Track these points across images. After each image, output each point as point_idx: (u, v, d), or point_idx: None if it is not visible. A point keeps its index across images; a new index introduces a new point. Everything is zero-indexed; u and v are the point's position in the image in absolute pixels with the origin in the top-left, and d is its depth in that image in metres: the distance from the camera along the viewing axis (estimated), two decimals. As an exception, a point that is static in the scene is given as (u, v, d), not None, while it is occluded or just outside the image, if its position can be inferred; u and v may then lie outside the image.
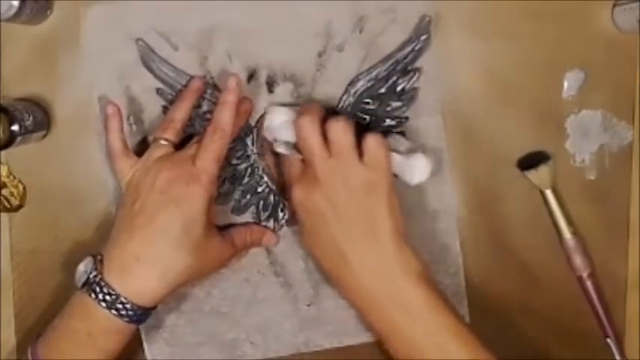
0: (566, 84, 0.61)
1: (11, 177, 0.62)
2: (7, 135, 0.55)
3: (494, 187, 0.62)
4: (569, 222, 0.61)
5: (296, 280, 0.62)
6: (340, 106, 0.60)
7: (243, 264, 0.62)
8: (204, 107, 0.60)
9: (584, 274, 0.61)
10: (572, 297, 0.62)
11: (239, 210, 0.62)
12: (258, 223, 0.62)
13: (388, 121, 0.60)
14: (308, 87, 0.61)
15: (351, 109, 0.60)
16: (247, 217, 0.62)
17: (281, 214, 0.62)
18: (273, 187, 0.61)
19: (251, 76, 0.61)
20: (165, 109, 0.60)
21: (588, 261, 0.61)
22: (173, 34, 0.60)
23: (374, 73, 0.60)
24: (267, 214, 0.62)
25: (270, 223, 0.62)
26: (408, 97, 0.60)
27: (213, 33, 0.60)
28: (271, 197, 0.61)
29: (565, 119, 0.61)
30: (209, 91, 0.60)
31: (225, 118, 0.56)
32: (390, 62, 0.60)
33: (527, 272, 0.62)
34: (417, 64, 0.60)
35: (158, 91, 0.60)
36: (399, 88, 0.60)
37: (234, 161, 0.61)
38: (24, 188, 0.62)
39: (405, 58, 0.60)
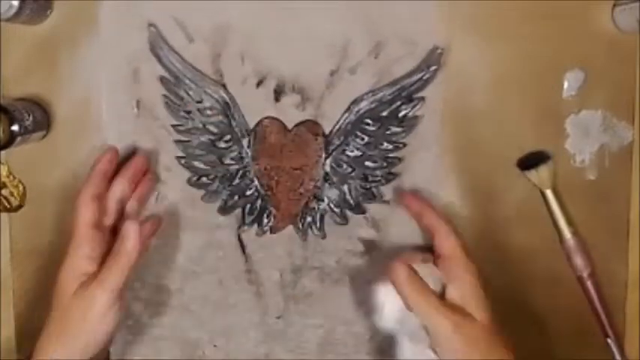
0: (566, 84, 0.61)
1: (11, 177, 0.62)
2: (7, 135, 0.55)
3: (494, 187, 0.62)
4: (569, 222, 0.61)
5: (269, 291, 0.63)
6: (341, 122, 0.60)
7: (220, 266, 0.62)
8: (206, 103, 0.60)
9: (585, 274, 0.61)
10: (572, 297, 0.62)
11: (225, 210, 0.62)
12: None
13: (385, 145, 0.61)
14: (314, 102, 0.61)
15: (351, 127, 0.60)
16: (232, 218, 0.62)
17: (265, 220, 0.62)
18: (262, 193, 0.61)
19: (260, 81, 0.61)
20: (166, 99, 0.60)
21: (588, 261, 0.61)
22: (190, 25, 0.60)
23: (378, 96, 0.60)
24: (252, 217, 0.62)
25: (254, 228, 0.62)
26: (409, 124, 0.60)
27: (230, 31, 0.60)
28: (258, 202, 0.62)
29: (565, 119, 0.61)
30: (212, 87, 0.60)
31: (130, 247, 0.54)
32: (396, 87, 0.60)
33: (527, 272, 0.62)
34: (422, 94, 0.60)
35: (162, 79, 0.60)
36: (401, 114, 0.60)
37: (228, 161, 0.61)
38: (24, 188, 0.62)
39: (412, 85, 0.60)
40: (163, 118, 0.61)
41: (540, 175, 0.60)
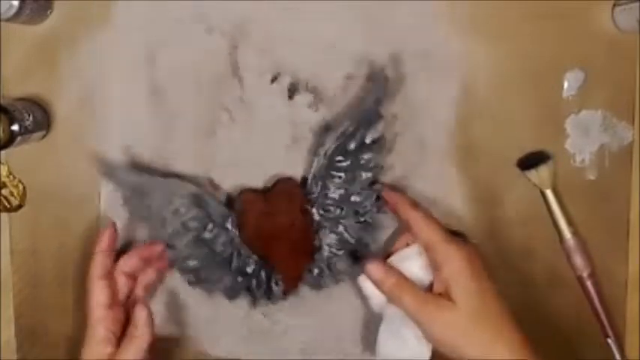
0: (566, 84, 0.61)
1: (11, 177, 0.62)
2: (7, 135, 0.55)
3: (494, 186, 0.62)
4: (569, 222, 0.61)
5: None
6: (313, 169, 0.59)
7: None
8: (176, 203, 0.58)
9: (585, 274, 0.61)
10: (572, 297, 0.62)
11: (232, 295, 0.61)
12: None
13: (364, 174, 0.59)
14: (326, 104, 0.61)
15: (325, 170, 0.59)
16: (241, 300, 0.61)
17: (276, 288, 0.60)
18: (263, 263, 0.60)
19: (275, 78, 0.60)
20: (133, 217, 0.60)
21: (588, 261, 0.61)
22: (211, 17, 0.60)
23: (340, 131, 0.58)
24: (261, 291, 0.60)
25: (266, 300, 0.61)
26: (379, 145, 0.59)
27: (250, 25, 0.60)
28: (262, 274, 0.60)
29: (565, 119, 0.61)
30: (177, 185, 0.59)
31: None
32: (353, 116, 0.58)
33: (527, 272, 0.62)
34: (380, 113, 0.59)
35: (125, 200, 0.60)
36: (367, 141, 0.58)
37: (219, 249, 0.60)
38: (24, 188, 0.62)
39: (367, 110, 0.58)
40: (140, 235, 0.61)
41: (540, 175, 0.60)
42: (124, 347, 0.56)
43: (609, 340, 0.61)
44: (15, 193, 0.62)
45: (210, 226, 0.59)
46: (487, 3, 0.60)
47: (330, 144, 0.58)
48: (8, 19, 0.55)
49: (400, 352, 0.56)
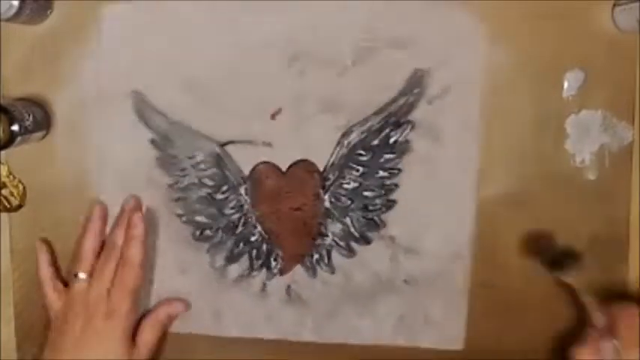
0: (566, 84, 0.61)
1: (11, 177, 0.62)
2: (7, 135, 0.55)
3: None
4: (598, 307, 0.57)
5: None
6: (334, 157, 0.61)
7: None
8: (198, 158, 0.61)
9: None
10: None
11: (232, 259, 0.62)
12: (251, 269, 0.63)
13: (381, 173, 0.61)
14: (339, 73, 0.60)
15: (345, 160, 0.61)
16: (240, 265, 0.62)
17: (274, 263, 0.62)
18: (266, 237, 0.62)
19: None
20: (159, 160, 0.61)
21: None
22: None
23: (367, 126, 0.60)
24: (260, 262, 0.62)
25: (263, 272, 0.62)
26: (401, 149, 0.61)
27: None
28: (264, 246, 0.62)
29: (565, 119, 0.61)
30: (202, 141, 0.60)
31: (134, 254, 0.58)
32: (382, 115, 0.60)
33: (527, 271, 0.62)
34: (410, 117, 0.60)
35: (152, 141, 0.61)
36: (391, 140, 0.61)
37: (228, 211, 0.62)
38: (24, 188, 0.62)
39: (398, 110, 0.60)
40: (159, 178, 0.62)
41: (572, 274, 0.57)
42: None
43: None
44: (15, 193, 0.62)
45: (224, 187, 0.61)
46: (487, 3, 0.60)
47: (354, 136, 0.60)
48: (8, 19, 0.55)
49: None
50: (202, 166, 0.61)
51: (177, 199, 0.62)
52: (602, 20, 0.60)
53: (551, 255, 0.59)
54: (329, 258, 0.62)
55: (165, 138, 0.61)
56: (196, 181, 0.61)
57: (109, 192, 0.62)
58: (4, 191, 0.62)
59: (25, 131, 0.57)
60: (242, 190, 0.61)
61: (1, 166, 0.61)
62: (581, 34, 0.60)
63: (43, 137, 0.61)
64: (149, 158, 0.61)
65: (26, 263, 0.62)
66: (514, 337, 0.62)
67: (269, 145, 0.61)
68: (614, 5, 0.60)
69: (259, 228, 0.62)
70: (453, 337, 0.62)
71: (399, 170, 0.61)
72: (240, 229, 0.62)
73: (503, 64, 0.60)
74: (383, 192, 0.61)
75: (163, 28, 0.60)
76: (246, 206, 0.62)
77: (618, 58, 0.60)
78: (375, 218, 0.62)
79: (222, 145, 0.61)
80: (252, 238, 0.62)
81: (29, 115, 0.57)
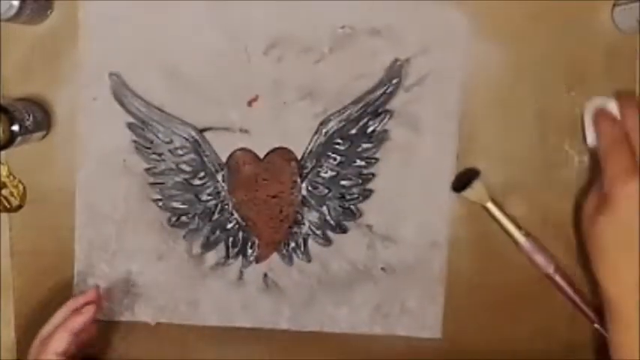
0: (566, 84, 0.61)
1: (11, 177, 0.62)
2: (7, 135, 0.55)
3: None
4: (518, 226, 0.61)
5: None
6: (311, 145, 0.61)
7: None
8: (176, 143, 0.61)
9: (550, 271, 0.61)
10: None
11: (208, 246, 0.62)
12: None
13: (358, 162, 0.61)
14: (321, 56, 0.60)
15: (322, 148, 0.61)
16: (217, 253, 0.62)
17: (250, 251, 0.62)
18: (243, 224, 0.62)
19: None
20: (136, 144, 0.61)
21: (549, 257, 0.61)
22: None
23: (345, 114, 0.60)
24: (236, 250, 0.62)
25: (240, 260, 0.62)
26: (379, 138, 0.61)
27: None
28: (240, 234, 0.62)
29: (565, 119, 0.61)
30: (180, 127, 0.60)
31: (60, 338, 0.56)
32: (361, 104, 0.60)
33: (524, 270, 0.62)
34: (388, 107, 0.60)
35: (130, 125, 0.61)
36: (369, 130, 0.61)
37: (205, 197, 0.62)
38: (24, 188, 0.62)
39: (377, 100, 0.60)
40: (135, 162, 0.62)
41: (477, 191, 0.60)
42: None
43: (596, 326, 0.61)
44: (15, 193, 0.62)
45: (201, 174, 0.61)
46: (487, 3, 0.60)
47: (333, 124, 0.60)
48: (8, 19, 0.55)
49: None
50: (180, 151, 0.61)
51: (154, 184, 0.62)
52: (602, 20, 0.60)
53: (456, 178, 0.61)
54: (305, 246, 0.62)
55: (142, 122, 0.61)
56: (173, 166, 0.61)
57: (88, 173, 0.62)
58: (4, 191, 0.62)
59: (25, 131, 0.57)
60: (219, 177, 0.61)
61: (1, 166, 0.61)
62: (581, 34, 0.60)
63: (43, 137, 0.61)
64: (126, 142, 0.61)
65: (26, 263, 0.62)
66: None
67: (246, 132, 0.61)
68: (614, 5, 0.60)
69: (236, 215, 0.62)
70: (430, 326, 0.62)
71: (377, 159, 0.61)
72: (216, 216, 0.62)
73: (504, 64, 0.60)
74: (360, 181, 0.61)
75: (143, 14, 0.60)
76: (223, 193, 0.62)
77: (618, 58, 0.60)
78: (352, 207, 0.62)
79: (201, 131, 0.61)
80: (229, 226, 0.62)
81: (29, 115, 0.57)
